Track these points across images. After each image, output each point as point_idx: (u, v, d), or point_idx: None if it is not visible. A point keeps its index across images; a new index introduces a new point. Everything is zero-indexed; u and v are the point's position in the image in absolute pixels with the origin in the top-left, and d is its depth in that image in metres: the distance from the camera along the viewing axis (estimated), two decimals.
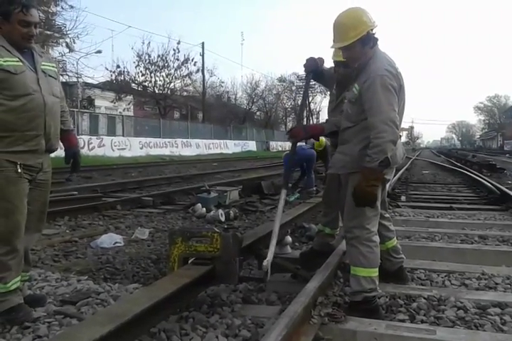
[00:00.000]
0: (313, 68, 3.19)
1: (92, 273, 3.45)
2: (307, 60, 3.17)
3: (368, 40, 2.53)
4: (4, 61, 2.35)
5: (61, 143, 2.76)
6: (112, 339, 1.63)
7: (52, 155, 2.68)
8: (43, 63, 2.57)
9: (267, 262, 2.53)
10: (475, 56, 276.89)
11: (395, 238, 3.00)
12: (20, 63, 2.42)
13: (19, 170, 2.40)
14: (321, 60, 3.22)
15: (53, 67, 2.67)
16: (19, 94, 2.39)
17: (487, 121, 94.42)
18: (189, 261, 2.59)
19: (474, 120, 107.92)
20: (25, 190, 2.48)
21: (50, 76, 2.59)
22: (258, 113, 50.97)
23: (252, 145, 38.92)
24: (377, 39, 2.58)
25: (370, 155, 2.38)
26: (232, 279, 2.53)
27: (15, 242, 2.42)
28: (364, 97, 2.46)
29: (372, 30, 2.53)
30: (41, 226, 2.71)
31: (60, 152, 2.76)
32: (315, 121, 56.33)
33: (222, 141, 34.44)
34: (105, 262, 3.76)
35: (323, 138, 7.87)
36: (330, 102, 3.46)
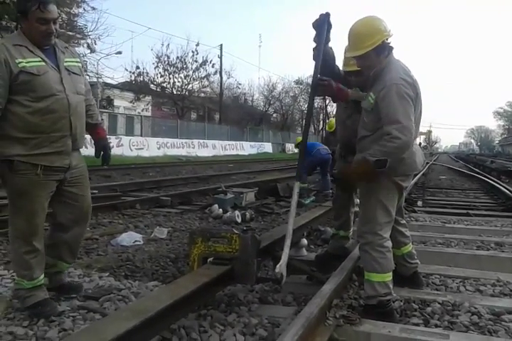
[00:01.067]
0: (326, 27, 2.83)
1: (113, 270, 3.55)
2: (320, 15, 2.82)
3: (383, 49, 2.55)
4: (27, 62, 2.36)
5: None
6: (136, 334, 1.71)
7: None
8: (66, 59, 2.56)
9: (279, 267, 2.52)
10: (495, 60, 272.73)
11: (411, 243, 3.03)
12: (43, 63, 2.42)
13: (38, 172, 2.44)
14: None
15: (77, 62, 2.65)
16: (43, 96, 2.40)
17: (507, 127, 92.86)
18: (208, 261, 2.67)
19: (493, 125, 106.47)
20: (49, 194, 2.54)
21: (74, 73, 2.58)
22: (274, 115, 50.98)
23: (268, 147, 38.98)
24: (392, 48, 2.60)
25: (373, 150, 2.43)
26: (249, 280, 2.59)
27: (35, 242, 2.53)
28: (380, 106, 2.48)
29: (387, 39, 2.56)
30: (89, 217, 2.81)
31: (83, 150, 2.81)
32: None
33: (238, 142, 34.57)
34: (125, 260, 3.86)
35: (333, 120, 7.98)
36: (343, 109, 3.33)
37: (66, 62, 2.56)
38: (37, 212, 2.51)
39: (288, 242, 2.63)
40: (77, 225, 2.71)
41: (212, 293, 2.56)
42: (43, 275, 2.63)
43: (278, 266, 2.55)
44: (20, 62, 2.35)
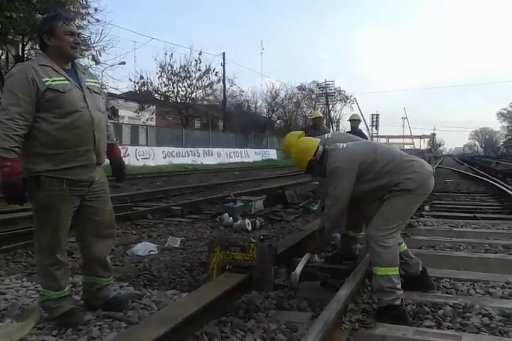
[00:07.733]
0: None
1: (132, 279, 3.64)
2: None
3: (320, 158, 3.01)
4: (53, 81, 2.50)
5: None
6: (166, 340, 1.82)
7: None
8: (87, 80, 2.71)
9: (295, 274, 2.79)
10: (498, 62, 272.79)
11: (404, 243, 3.16)
12: (67, 82, 2.56)
13: (64, 187, 2.55)
14: None
15: (96, 82, 2.81)
16: (68, 112, 2.52)
17: (511, 128, 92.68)
18: (226, 268, 2.78)
19: (497, 127, 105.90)
20: (72, 209, 2.65)
21: (95, 92, 2.73)
22: (278, 121, 51.17)
23: (272, 154, 39.11)
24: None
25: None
26: (267, 287, 2.70)
27: (58, 255, 2.64)
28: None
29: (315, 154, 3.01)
30: (113, 232, 2.92)
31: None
32: (335, 129, 56.21)
33: (243, 149, 34.74)
34: (142, 269, 3.96)
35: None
36: None
37: (87, 82, 2.71)
38: (60, 227, 2.61)
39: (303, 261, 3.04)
40: (100, 239, 2.78)
41: (234, 300, 2.66)
42: (68, 287, 2.75)
43: (293, 273, 2.76)
44: (46, 81, 2.49)
